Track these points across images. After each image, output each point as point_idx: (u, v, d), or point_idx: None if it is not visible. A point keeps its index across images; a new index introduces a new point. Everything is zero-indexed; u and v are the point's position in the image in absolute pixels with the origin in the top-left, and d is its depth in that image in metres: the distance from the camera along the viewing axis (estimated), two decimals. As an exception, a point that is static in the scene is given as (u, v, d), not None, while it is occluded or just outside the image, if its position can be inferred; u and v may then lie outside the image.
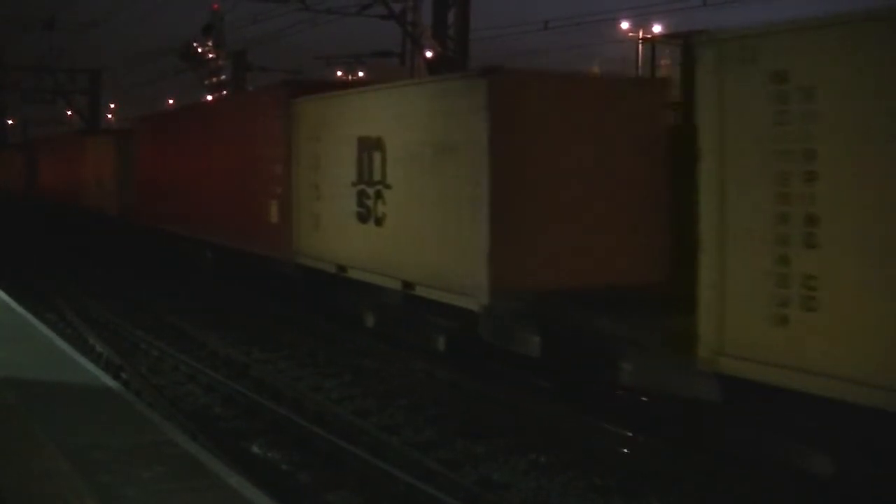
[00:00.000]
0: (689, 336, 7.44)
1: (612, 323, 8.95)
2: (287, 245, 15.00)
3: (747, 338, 7.03)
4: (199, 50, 45.58)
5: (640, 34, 36.37)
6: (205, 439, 8.90)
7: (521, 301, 9.92)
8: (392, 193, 12.14)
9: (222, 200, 18.09)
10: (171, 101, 56.11)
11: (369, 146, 12.57)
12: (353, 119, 13.24)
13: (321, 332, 14.79)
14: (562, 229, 10.35)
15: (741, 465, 8.02)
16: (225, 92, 44.64)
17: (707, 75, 7.35)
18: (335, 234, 13.70)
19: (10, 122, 64.18)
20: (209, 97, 43.41)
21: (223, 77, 48.20)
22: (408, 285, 11.65)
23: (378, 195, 12.43)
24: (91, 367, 9.25)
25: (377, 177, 12.44)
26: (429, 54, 22.40)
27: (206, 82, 48.06)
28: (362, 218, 12.81)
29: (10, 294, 14.02)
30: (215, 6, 45.17)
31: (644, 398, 9.16)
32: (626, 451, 8.87)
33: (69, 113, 51.77)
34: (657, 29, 35.86)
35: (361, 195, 12.83)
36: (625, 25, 40.25)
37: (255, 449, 9.47)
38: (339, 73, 42.65)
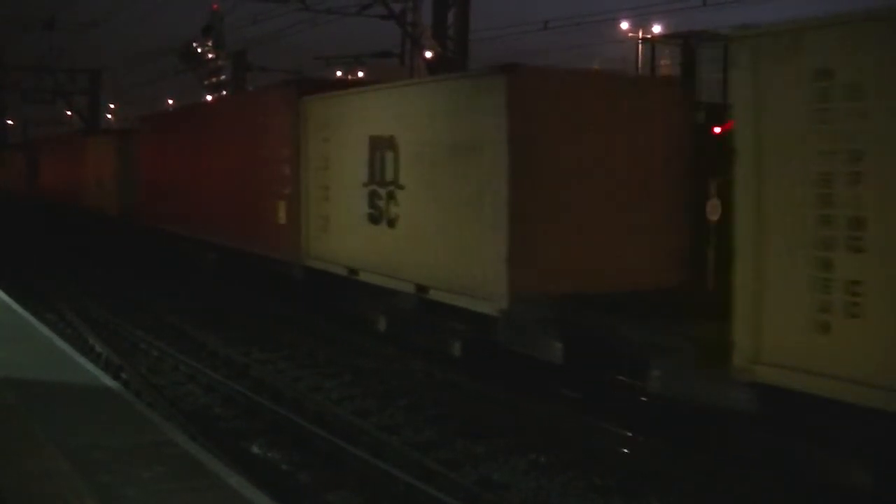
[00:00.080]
0: (722, 343, 7.17)
1: (640, 329, 8.64)
2: (295, 247, 14.73)
3: (786, 345, 6.75)
4: (199, 50, 45.63)
5: (640, 34, 36.35)
6: (205, 439, 8.90)
7: (541, 306, 9.62)
8: (405, 194, 11.83)
9: (227, 201, 17.83)
10: (170, 102, 56.13)
11: (381, 145, 12.27)
12: (365, 118, 12.92)
13: (321, 333, 14.79)
14: (582, 231, 10.10)
15: (741, 465, 8.02)
16: (225, 92, 44.63)
17: (742, 73, 7.05)
18: (345, 236, 13.40)
19: (9, 122, 64.19)
20: (209, 97, 43.40)
21: (223, 77, 48.24)
22: (421, 289, 11.36)
23: (390, 196, 12.12)
24: (91, 367, 9.25)
25: (389, 177, 12.12)
26: (428, 54, 22.41)
27: (206, 82, 48.11)
28: (374, 219, 12.50)
29: (9, 294, 14.02)
30: (215, 6, 45.16)
31: (669, 405, 8.74)
32: (626, 451, 8.87)
33: (69, 113, 51.80)
34: (657, 29, 35.84)
35: (373, 196, 12.51)
36: (624, 25, 40.30)
37: (255, 449, 9.47)
38: (339, 74, 42.62)
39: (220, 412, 10.89)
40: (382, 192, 12.27)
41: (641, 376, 8.46)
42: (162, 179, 22.38)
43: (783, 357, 6.75)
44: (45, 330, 11.23)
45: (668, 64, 24.70)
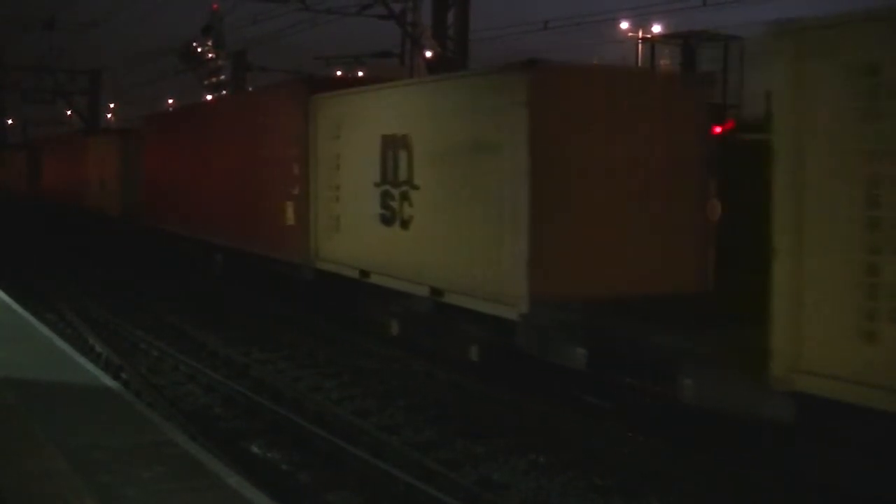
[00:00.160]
0: (759, 350, 6.90)
1: (671, 335, 8.36)
2: (303, 248, 14.46)
3: (828, 353, 6.43)
4: (199, 50, 45.67)
5: (640, 34, 36.35)
6: (205, 439, 8.90)
7: (564, 310, 9.34)
8: (420, 194, 11.53)
9: (233, 201, 17.58)
10: (170, 101, 56.13)
11: (395, 145, 11.98)
12: (377, 116, 12.63)
13: (321, 333, 14.79)
14: (604, 234, 9.84)
15: (741, 465, 8.03)
16: (224, 92, 44.64)
17: (783, 70, 6.75)
18: (357, 238, 13.10)
19: (9, 122, 64.22)
20: (209, 97, 43.41)
21: (223, 77, 48.24)
22: (436, 292, 11.06)
23: (404, 196, 11.82)
24: (91, 367, 9.25)
25: (403, 177, 11.82)
26: (428, 54, 22.41)
27: (206, 82, 48.12)
28: (386, 220, 12.20)
29: (10, 294, 14.02)
30: (215, 6, 45.23)
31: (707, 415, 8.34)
32: (626, 451, 8.86)
33: (69, 113, 51.81)
34: (657, 29, 35.83)
35: (386, 196, 12.22)
36: (624, 25, 40.25)
37: (255, 449, 9.46)
38: (339, 73, 42.63)
39: (220, 412, 10.89)
40: (396, 192, 11.99)
41: (671, 385, 8.07)
42: (165, 179, 22.16)
43: (825, 366, 6.44)
44: (45, 330, 11.23)
45: (667, 64, 24.70)
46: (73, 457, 6.12)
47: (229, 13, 42.24)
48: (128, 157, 25.69)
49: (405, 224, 11.80)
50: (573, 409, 9.89)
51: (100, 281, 21.94)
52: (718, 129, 10.41)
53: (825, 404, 6.49)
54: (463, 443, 9.44)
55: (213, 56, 46.00)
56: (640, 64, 31.82)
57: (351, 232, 13.31)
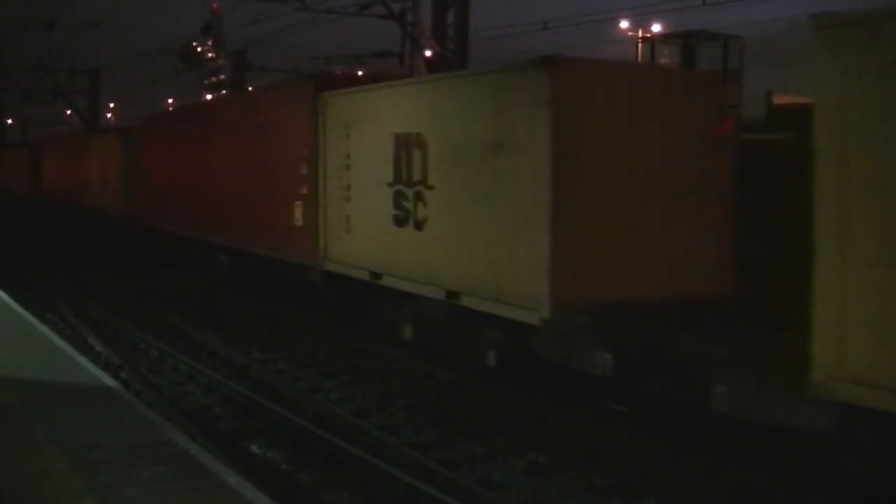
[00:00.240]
0: (794, 357, 6.68)
1: (702, 341, 8.05)
2: (313, 250, 14.17)
3: (874, 361, 6.15)
4: (199, 50, 45.65)
5: (640, 34, 36.38)
6: (204, 439, 8.90)
7: (588, 314, 9.05)
8: (434, 195, 11.21)
9: (238, 202, 17.31)
10: (170, 101, 56.15)
11: (408, 143, 11.68)
12: (390, 114, 12.34)
13: (321, 333, 14.79)
14: (626, 235, 9.57)
15: (741, 465, 8.03)
16: (224, 92, 44.63)
17: (826, 66, 6.50)
18: (368, 239, 12.79)
19: (9, 122, 64.23)
20: (209, 97, 43.41)
21: (222, 77, 48.20)
22: (452, 295, 10.75)
23: (418, 196, 11.50)
24: (91, 366, 9.26)
25: (417, 176, 11.51)
26: (428, 54, 22.42)
27: (206, 82, 48.07)
28: (399, 221, 11.89)
29: (10, 294, 14.03)
30: (215, 6, 45.21)
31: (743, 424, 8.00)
32: (626, 451, 8.85)
33: (69, 113, 51.83)
34: (656, 28, 35.85)
35: (399, 196, 11.91)
36: (624, 25, 40.27)
37: (255, 449, 9.46)
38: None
39: (219, 412, 10.89)
40: (409, 192, 11.69)
41: (702, 392, 7.75)
42: (169, 180, 21.90)
43: (871, 374, 6.16)
44: (45, 330, 11.24)
45: (667, 63, 24.73)
46: (73, 457, 6.13)
47: (229, 13, 42.32)
48: (130, 156, 25.48)
49: (419, 225, 11.50)
50: (573, 410, 9.88)
51: (101, 282, 21.93)
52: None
53: (867, 413, 6.26)
54: (463, 443, 9.44)
55: (213, 56, 45.99)
56: (639, 64, 31.84)
57: (362, 233, 13.03)
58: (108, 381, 8.61)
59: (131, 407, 7.66)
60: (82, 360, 9.46)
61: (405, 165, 11.76)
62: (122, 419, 7.18)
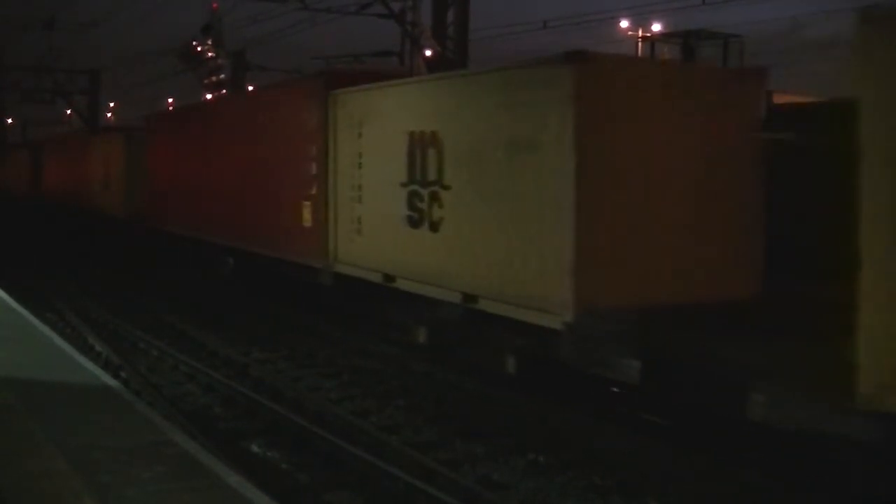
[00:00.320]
0: (836, 365, 6.46)
1: (738, 348, 7.82)
2: (322, 251, 13.85)
3: None
4: (199, 50, 45.59)
5: (640, 33, 36.37)
6: (204, 439, 8.90)
7: (613, 319, 8.77)
8: (451, 195, 10.85)
9: (245, 202, 16.99)
10: (170, 101, 56.16)
11: (423, 142, 11.33)
12: (404, 112, 11.98)
13: (321, 333, 14.79)
14: (654, 238, 9.27)
15: (741, 465, 8.03)
16: (224, 91, 44.64)
17: (872, 61, 6.28)
18: (381, 240, 12.44)
19: (9, 121, 64.25)
20: (209, 96, 43.42)
21: (222, 77, 48.20)
22: (469, 298, 10.42)
23: (433, 197, 11.15)
24: (91, 366, 9.26)
25: (432, 176, 11.15)
26: (428, 53, 22.43)
27: (206, 82, 48.05)
28: (414, 222, 11.54)
29: (9, 294, 14.03)
30: (215, 6, 45.15)
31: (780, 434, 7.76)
32: (626, 451, 8.85)
33: (69, 112, 51.83)
34: (656, 28, 35.85)
35: (413, 197, 11.57)
36: (624, 24, 40.24)
37: (255, 448, 9.47)
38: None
39: (219, 412, 10.90)
40: (424, 192, 11.34)
41: (738, 401, 7.48)
42: (173, 180, 21.58)
43: None
44: (45, 329, 11.24)
45: (669, 63, 24.67)
46: (73, 457, 6.13)
47: (229, 13, 42.31)
48: (132, 156, 25.16)
49: (434, 226, 11.16)
50: (573, 410, 9.89)
51: (101, 282, 21.94)
52: None
53: None
54: (463, 443, 9.44)
55: (213, 56, 45.91)
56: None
57: (374, 234, 12.69)
58: (108, 380, 8.62)
59: (131, 407, 7.67)
60: (82, 360, 9.46)
61: (420, 165, 11.43)
62: (122, 419, 7.19)
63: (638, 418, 9.28)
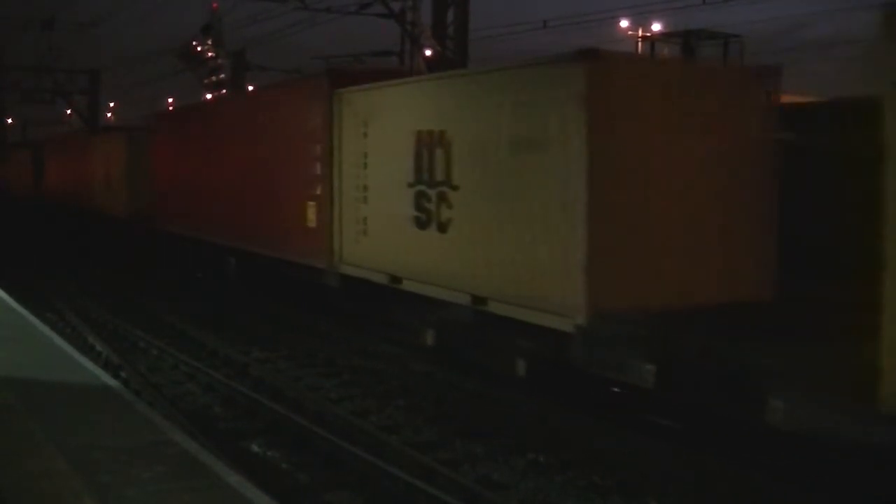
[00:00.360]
0: (858, 369, 6.35)
1: (756, 352, 7.68)
2: (327, 252, 13.69)
3: None
4: (199, 49, 45.62)
5: (640, 33, 36.36)
6: (204, 439, 8.90)
7: (627, 322, 8.60)
8: (459, 195, 10.70)
9: (248, 203, 16.83)
10: (170, 101, 56.18)
11: (430, 142, 11.19)
12: (411, 111, 11.83)
13: (321, 332, 14.79)
14: (665, 238, 9.13)
15: (741, 465, 8.03)
16: (224, 91, 44.65)
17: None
18: (387, 241, 12.29)
19: (9, 121, 64.27)
20: (209, 96, 43.43)
21: (222, 76, 48.22)
22: (478, 300, 10.29)
23: (441, 197, 10.99)
24: (91, 366, 9.26)
25: (440, 176, 11.00)
26: (428, 53, 22.44)
27: (206, 81, 48.08)
28: (421, 223, 11.38)
29: (10, 294, 14.04)
30: (215, 6, 45.19)
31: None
32: (626, 451, 8.85)
33: (69, 112, 51.84)
34: (656, 28, 35.85)
35: (420, 197, 11.41)
36: (624, 24, 40.24)
37: (255, 448, 9.47)
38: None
39: (219, 412, 10.90)
40: (432, 193, 11.17)
41: (757, 406, 7.34)
42: (176, 180, 21.42)
43: None
44: (45, 329, 11.24)
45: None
46: (73, 457, 6.13)
47: (228, 13, 42.35)
48: (134, 156, 25.08)
49: (443, 227, 11.00)
50: (572, 410, 9.89)
51: (101, 282, 21.95)
52: None
53: None
54: (463, 442, 9.44)
55: (213, 55, 45.95)
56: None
57: (380, 235, 12.53)
58: (108, 380, 8.62)
59: (131, 406, 7.67)
60: (82, 360, 9.46)
61: (427, 165, 11.28)
62: (122, 419, 7.19)
63: (640, 419, 9.27)
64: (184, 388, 11.97)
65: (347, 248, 13.38)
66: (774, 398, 7.20)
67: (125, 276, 22.55)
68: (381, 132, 12.48)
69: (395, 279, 11.99)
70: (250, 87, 36.79)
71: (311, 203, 14.20)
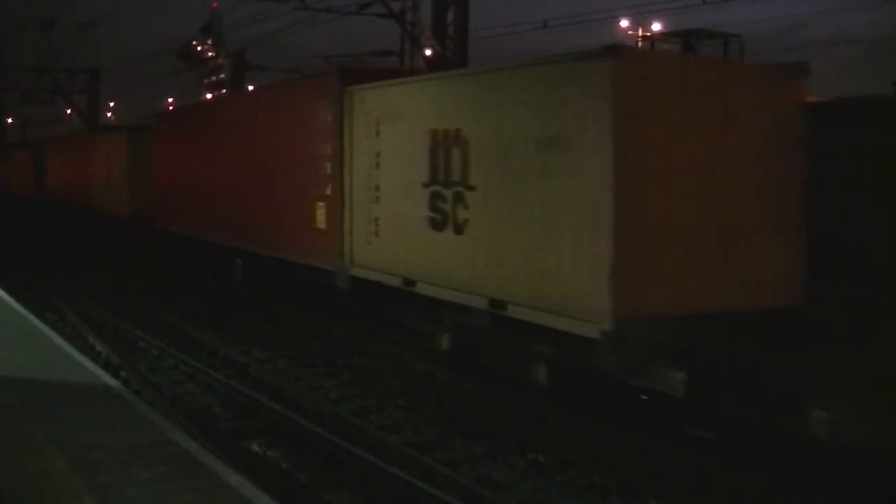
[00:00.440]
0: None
1: (792, 359, 7.43)
2: (337, 254, 13.41)
3: None
4: (199, 49, 45.67)
5: (640, 33, 36.36)
6: (204, 439, 8.90)
7: (655, 327, 8.31)
8: (476, 196, 10.41)
9: (255, 203, 16.59)
10: (170, 101, 56.20)
11: (446, 141, 10.92)
12: (425, 109, 11.54)
13: (321, 332, 14.78)
14: (693, 241, 8.87)
15: (741, 465, 8.03)
16: (224, 91, 44.65)
17: None
18: (401, 243, 11.98)
19: (9, 121, 64.29)
20: (209, 96, 43.43)
21: (222, 76, 48.25)
22: (497, 304, 9.99)
23: (458, 198, 10.71)
24: (91, 365, 9.26)
25: (456, 176, 10.72)
26: (428, 53, 22.44)
27: (206, 81, 48.11)
28: (436, 225, 11.10)
29: (10, 294, 14.03)
30: (215, 6, 45.27)
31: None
32: (626, 451, 8.85)
33: (69, 112, 51.85)
34: (656, 27, 35.85)
35: (435, 198, 11.12)
36: (624, 24, 40.24)
37: (255, 448, 9.47)
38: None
39: (219, 411, 10.90)
40: (448, 193, 10.89)
41: (798, 417, 7.13)
42: (180, 180, 21.18)
43: None
44: (45, 329, 11.24)
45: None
46: (73, 457, 6.13)
47: (228, 12, 42.38)
48: (137, 156, 24.94)
49: (459, 229, 10.71)
50: (573, 410, 9.88)
51: (101, 282, 21.94)
52: None
53: None
54: (463, 442, 9.44)
55: (213, 55, 46.03)
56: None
57: (393, 236, 12.24)
58: (108, 380, 8.62)
59: (131, 406, 7.67)
60: (82, 360, 9.46)
61: (443, 164, 11.00)
62: (122, 419, 7.19)
63: (642, 419, 9.26)
64: (184, 388, 11.97)
65: (358, 250, 13.11)
66: (817, 409, 6.94)
67: (125, 276, 22.55)
68: (394, 131, 12.19)
69: (409, 282, 11.71)
70: (250, 87, 36.77)
71: (321, 203, 13.94)
